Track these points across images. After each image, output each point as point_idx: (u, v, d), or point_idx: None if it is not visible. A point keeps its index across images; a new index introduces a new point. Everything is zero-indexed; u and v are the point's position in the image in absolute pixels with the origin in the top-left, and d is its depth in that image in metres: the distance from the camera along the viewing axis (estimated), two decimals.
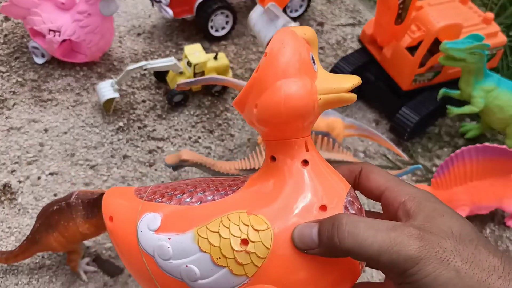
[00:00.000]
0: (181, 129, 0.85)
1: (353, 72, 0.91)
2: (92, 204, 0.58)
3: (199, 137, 0.85)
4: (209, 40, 1.00)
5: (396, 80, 0.86)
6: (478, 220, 0.74)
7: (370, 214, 0.40)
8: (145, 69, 0.84)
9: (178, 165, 0.66)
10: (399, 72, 0.85)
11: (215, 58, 0.88)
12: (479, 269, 0.29)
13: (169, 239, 0.33)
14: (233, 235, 0.32)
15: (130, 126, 0.85)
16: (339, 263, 0.33)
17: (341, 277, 0.34)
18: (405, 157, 0.78)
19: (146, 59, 0.96)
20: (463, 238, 0.30)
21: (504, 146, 0.66)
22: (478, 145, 0.66)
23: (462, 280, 0.29)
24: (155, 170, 0.79)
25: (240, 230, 0.32)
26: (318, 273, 0.32)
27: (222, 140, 0.85)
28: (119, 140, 0.83)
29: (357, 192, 0.36)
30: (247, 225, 0.32)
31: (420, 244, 0.29)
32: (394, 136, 0.86)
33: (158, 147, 0.82)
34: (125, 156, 0.81)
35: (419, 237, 0.30)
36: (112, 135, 0.84)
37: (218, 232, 0.32)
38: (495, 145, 0.65)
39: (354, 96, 0.34)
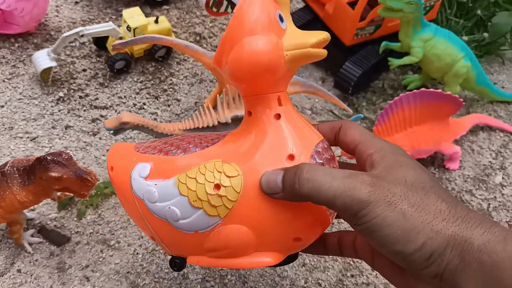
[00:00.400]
0: (124, 96, 0.83)
1: None
2: (28, 171, 0.56)
3: (144, 104, 0.83)
4: (150, 5, 0.97)
5: (339, 36, 0.86)
6: None
7: (346, 165, 0.43)
8: (82, 35, 0.80)
9: (119, 129, 0.65)
10: (341, 27, 0.86)
11: (156, 21, 0.86)
12: (425, 212, 0.32)
13: (156, 184, 0.38)
14: (207, 180, 0.36)
15: (71, 96, 0.83)
16: (305, 209, 0.36)
17: (309, 222, 0.37)
18: (351, 111, 0.79)
19: None
20: (416, 185, 0.33)
21: (439, 90, 0.67)
22: (415, 90, 0.67)
23: (408, 221, 0.31)
24: (100, 138, 0.77)
25: (214, 176, 0.36)
26: (284, 217, 0.36)
27: (168, 106, 0.83)
28: (60, 110, 0.80)
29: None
30: (220, 172, 0.36)
31: (371, 189, 0.32)
32: (339, 91, 0.87)
33: (102, 116, 0.80)
34: (67, 127, 0.78)
35: (371, 183, 0.32)
36: (52, 106, 0.81)
37: (195, 178, 0.36)
38: (431, 89, 0.67)
39: (322, 51, 0.36)
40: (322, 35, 0.35)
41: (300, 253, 0.42)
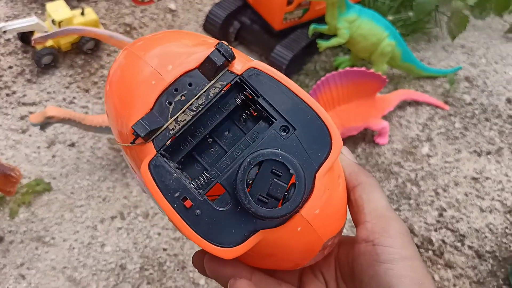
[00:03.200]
0: (54, 92, 0.81)
1: (227, 17, 0.91)
2: None
3: (75, 97, 0.81)
4: None
5: (268, 21, 0.88)
6: (351, 141, 0.79)
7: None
8: (5, 32, 0.78)
9: (45, 123, 0.63)
10: (270, 12, 0.87)
11: (82, 13, 0.84)
12: None
13: None
14: None
15: None
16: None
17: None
18: None
19: None
20: None
21: (363, 68, 0.70)
22: (340, 70, 0.69)
23: None
24: (30, 136, 0.75)
25: None
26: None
27: (100, 98, 0.82)
28: None
29: None
30: None
31: None
32: None
33: (31, 112, 0.78)
34: None
35: None
36: None
37: None
38: (354, 68, 0.69)
39: None
40: None
41: None
